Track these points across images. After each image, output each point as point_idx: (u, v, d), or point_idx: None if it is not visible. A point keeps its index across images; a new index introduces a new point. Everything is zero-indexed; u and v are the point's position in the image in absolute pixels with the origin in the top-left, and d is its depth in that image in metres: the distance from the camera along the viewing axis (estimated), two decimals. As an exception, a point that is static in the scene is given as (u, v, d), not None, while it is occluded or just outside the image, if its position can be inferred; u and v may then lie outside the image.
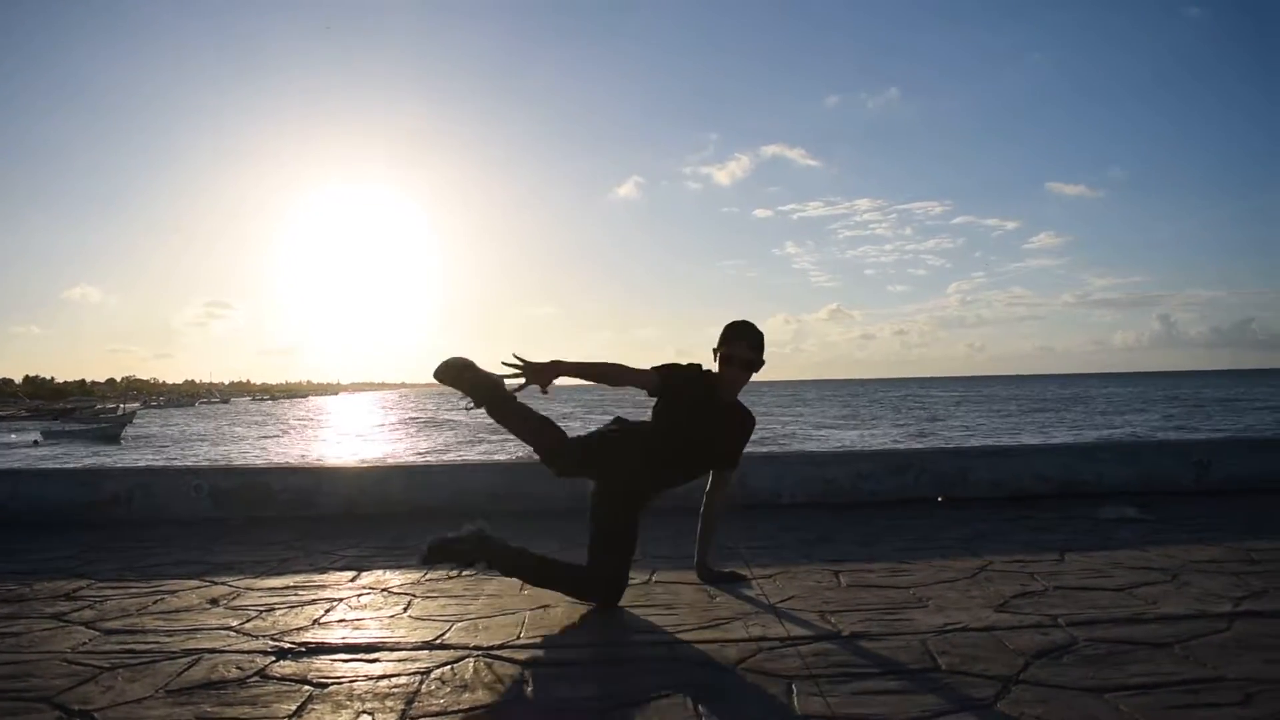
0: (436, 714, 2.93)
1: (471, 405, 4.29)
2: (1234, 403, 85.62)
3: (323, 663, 3.50)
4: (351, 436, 68.49)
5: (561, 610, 4.20)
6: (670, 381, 4.32)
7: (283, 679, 3.31)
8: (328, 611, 4.30)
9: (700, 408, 4.34)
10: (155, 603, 4.54)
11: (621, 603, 4.25)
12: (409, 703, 3.03)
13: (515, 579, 4.43)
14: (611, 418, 4.57)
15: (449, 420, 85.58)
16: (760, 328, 4.35)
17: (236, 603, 4.51)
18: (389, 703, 3.04)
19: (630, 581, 4.32)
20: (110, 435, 66.69)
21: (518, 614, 4.15)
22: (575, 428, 4.87)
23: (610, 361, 4.31)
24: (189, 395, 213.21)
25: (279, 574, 5.19)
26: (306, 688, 3.20)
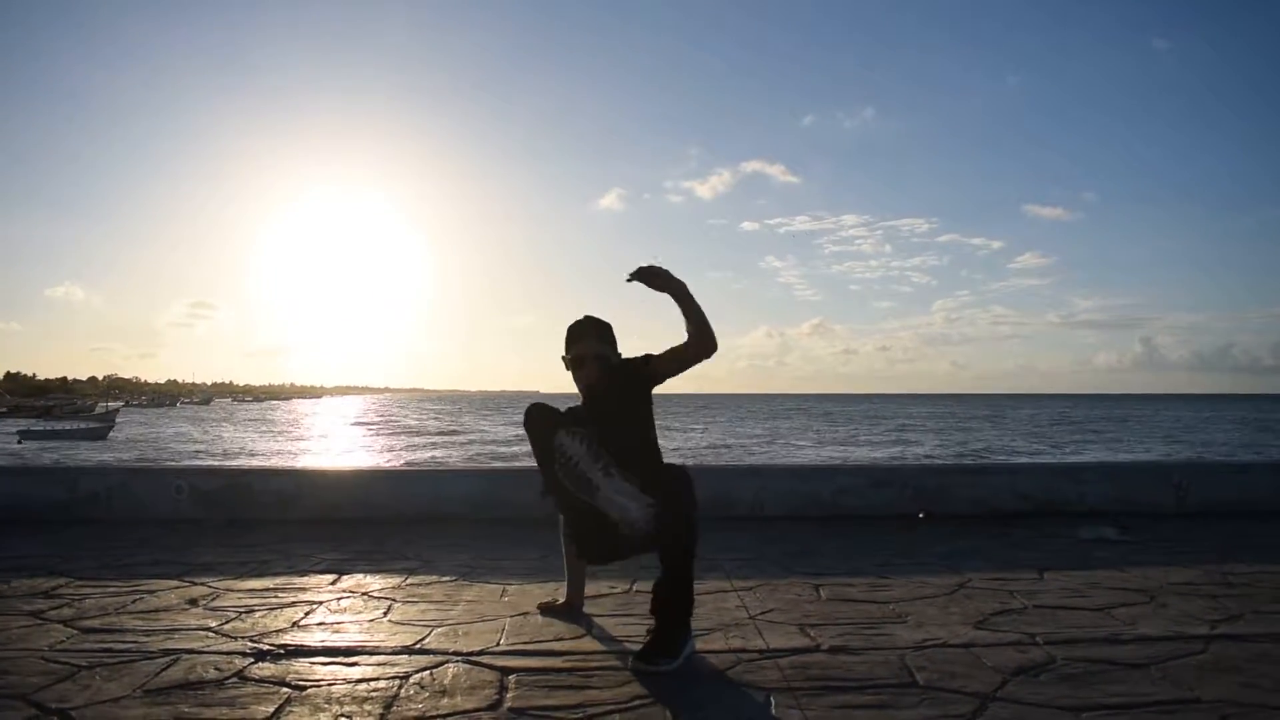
0: (415, 718, 2.92)
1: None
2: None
3: (301, 665, 3.49)
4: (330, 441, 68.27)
5: (542, 618, 4.20)
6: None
7: (261, 681, 3.30)
8: (307, 614, 4.29)
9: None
10: (134, 602, 4.52)
11: (603, 611, 4.26)
12: (387, 707, 3.03)
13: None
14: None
15: (431, 427, 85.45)
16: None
17: (216, 604, 4.49)
18: (367, 706, 3.03)
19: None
20: (96, 435, 65.87)
21: (497, 620, 4.15)
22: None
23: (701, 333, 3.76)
24: (171, 395, 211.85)
25: (259, 576, 5.17)
26: (285, 690, 3.20)
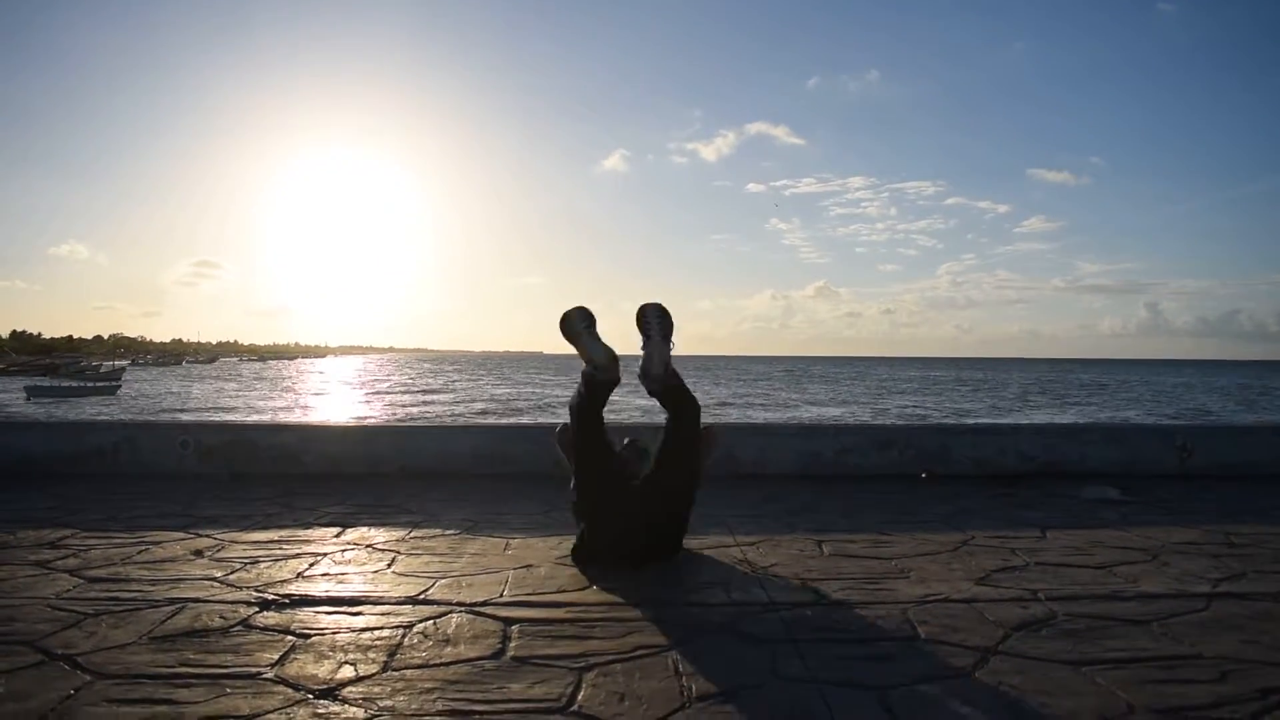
0: (419, 666, 2.94)
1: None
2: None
3: (306, 614, 3.51)
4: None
5: (545, 570, 4.22)
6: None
7: (266, 629, 3.32)
8: (312, 566, 4.31)
9: None
10: (140, 553, 4.54)
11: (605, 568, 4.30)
12: (391, 655, 3.05)
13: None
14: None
15: (435, 384, 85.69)
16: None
17: (221, 555, 4.52)
18: (371, 654, 3.05)
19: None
20: (103, 392, 66.10)
21: (501, 572, 4.17)
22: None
23: None
24: (176, 354, 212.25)
25: (263, 528, 5.19)
26: (289, 638, 3.22)
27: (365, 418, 46.77)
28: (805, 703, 2.67)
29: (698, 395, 4.52)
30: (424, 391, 77.17)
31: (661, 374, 4.32)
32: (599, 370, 4.34)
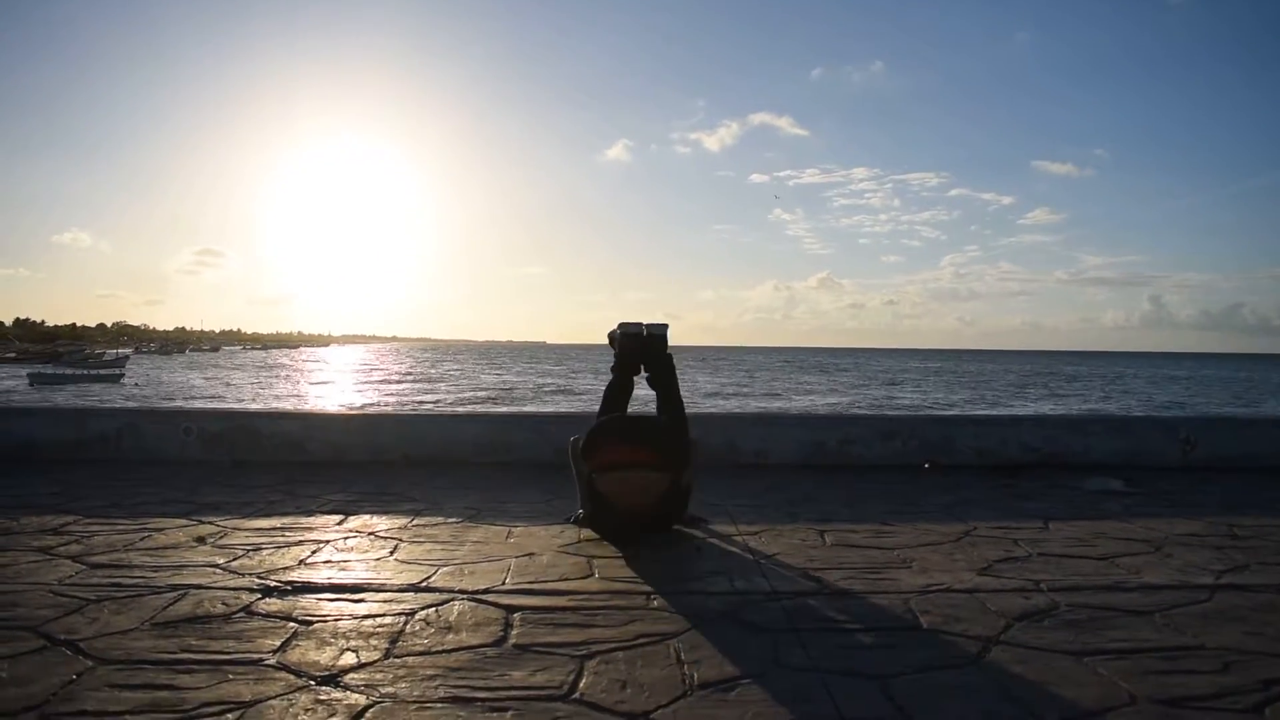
0: (420, 654, 2.94)
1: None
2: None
3: (308, 601, 3.51)
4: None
5: (547, 558, 4.22)
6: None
7: (268, 616, 3.32)
8: (314, 553, 4.31)
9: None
10: (142, 539, 4.55)
11: (608, 553, 4.30)
12: (393, 641, 3.05)
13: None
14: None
15: (440, 374, 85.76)
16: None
17: (223, 542, 4.52)
18: (373, 641, 3.05)
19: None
20: (106, 380, 66.25)
21: (503, 560, 4.17)
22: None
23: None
24: (179, 343, 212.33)
25: (266, 515, 5.19)
26: (291, 624, 3.22)
27: (368, 406, 46.78)
28: (807, 691, 2.67)
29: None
30: (427, 380, 77.22)
31: (659, 322, 5.33)
32: (627, 326, 5.32)
